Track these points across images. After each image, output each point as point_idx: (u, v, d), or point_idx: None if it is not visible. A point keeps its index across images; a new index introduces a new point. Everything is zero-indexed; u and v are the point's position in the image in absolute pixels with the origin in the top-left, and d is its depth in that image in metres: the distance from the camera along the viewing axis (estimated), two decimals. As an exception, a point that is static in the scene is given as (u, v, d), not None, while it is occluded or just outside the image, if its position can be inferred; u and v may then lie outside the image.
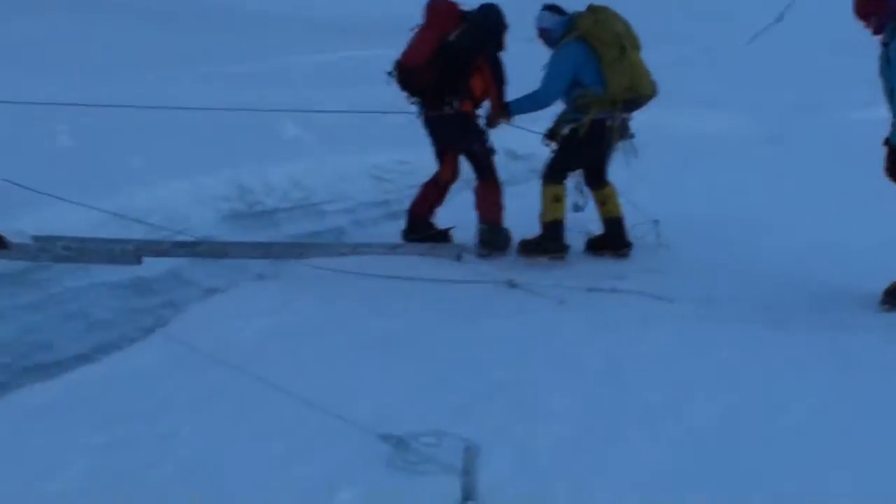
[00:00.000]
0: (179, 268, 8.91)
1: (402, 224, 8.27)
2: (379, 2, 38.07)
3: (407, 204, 12.23)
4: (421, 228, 7.30)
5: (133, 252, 6.76)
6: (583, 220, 7.58)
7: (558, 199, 6.82)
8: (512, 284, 6.12)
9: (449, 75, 6.62)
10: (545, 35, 6.82)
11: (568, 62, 6.54)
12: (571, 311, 5.64)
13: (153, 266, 7.90)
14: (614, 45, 6.48)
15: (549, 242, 6.89)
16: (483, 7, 6.84)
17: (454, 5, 6.81)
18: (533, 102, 6.69)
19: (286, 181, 10.47)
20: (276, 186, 10.36)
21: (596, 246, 7.24)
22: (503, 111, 6.84)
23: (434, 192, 7.35)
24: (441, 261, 6.80)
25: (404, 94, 6.98)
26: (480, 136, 6.95)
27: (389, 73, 6.92)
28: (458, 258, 6.89)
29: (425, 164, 11.98)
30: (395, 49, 22.34)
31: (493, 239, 6.98)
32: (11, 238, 6.87)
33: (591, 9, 6.67)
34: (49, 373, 7.92)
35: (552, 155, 6.92)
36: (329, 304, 5.66)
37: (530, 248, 6.91)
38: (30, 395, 4.65)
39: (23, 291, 7.88)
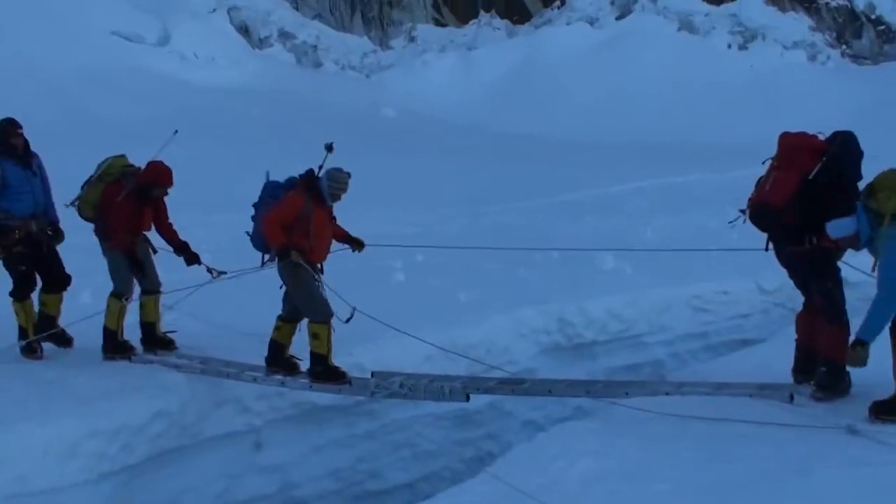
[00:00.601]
0: (500, 399, 9.10)
1: (723, 358, 7.77)
2: (705, 128, 37.98)
3: (727, 336, 11.79)
4: (814, 364, 6.68)
5: (461, 390, 7.02)
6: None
7: None
8: (852, 431, 5.52)
9: (809, 211, 6.24)
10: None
11: None
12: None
13: (475, 398, 8.11)
14: None
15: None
16: (840, 138, 6.39)
17: (812, 138, 6.48)
18: (882, 315, 5.90)
19: (605, 313, 10.44)
20: (595, 319, 10.37)
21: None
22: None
23: (811, 321, 6.73)
24: (771, 402, 6.33)
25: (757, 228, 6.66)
26: (835, 275, 6.40)
27: (742, 211, 6.69)
28: (791, 399, 6.37)
29: (747, 294, 11.52)
30: (717, 174, 21.85)
31: (832, 382, 6.36)
32: (350, 371, 7.39)
33: (883, 184, 5.88)
34: (379, 501, 8.34)
35: None
36: (653, 448, 5.45)
37: (884, 411, 6.03)
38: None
39: (358, 421, 8.44)
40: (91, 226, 8.21)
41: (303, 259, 7.14)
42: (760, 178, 6.71)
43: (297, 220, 7.19)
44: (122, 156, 8.27)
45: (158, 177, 8.04)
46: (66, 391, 6.98)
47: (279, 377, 7.51)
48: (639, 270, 11.60)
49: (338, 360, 8.06)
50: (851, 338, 5.92)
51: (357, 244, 7.82)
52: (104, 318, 8.00)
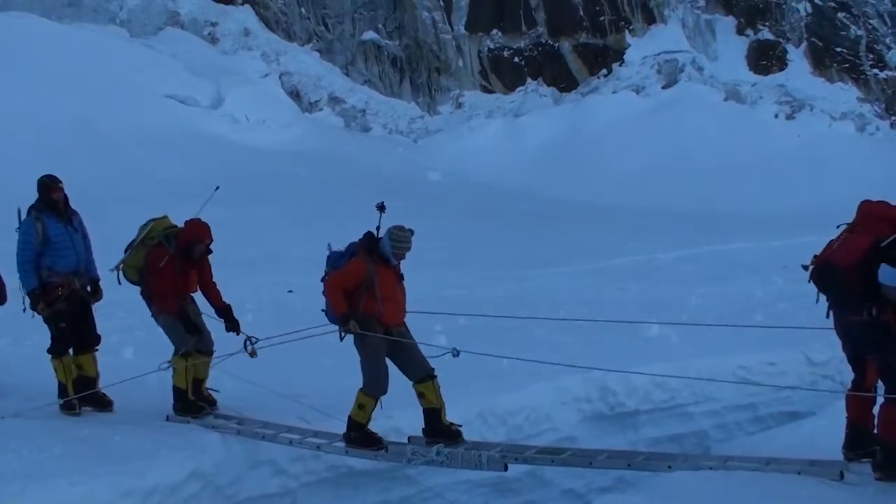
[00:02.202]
0: (540, 468, 8.89)
1: (770, 431, 7.54)
2: (751, 197, 37.69)
3: (774, 408, 11.47)
4: (865, 441, 6.46)
5: (499, 459, 6.88)
6: None
7: None
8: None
9: (874, 281, 6.08)
10: None
11: None
12: None
13: (514, 465, 7.94)
14: None
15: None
16: None
17: (892, 208, 6.34)
18: None
19: (649, 382, 10.22)
20: (638, 387, 10.16)
21: None
22: None
23: (861, 399, 6.52)
24: (822, 480, 6.10)
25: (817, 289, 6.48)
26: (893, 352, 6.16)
27: (805, 267, 6.53)
28: (841, 477, 6.13)
29: (795, 366, 11.23)
30: (763, 242, 21.54)
31: (889, 463, 6.11)
32: (387, 435, 7.29)
33: None
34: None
35: None
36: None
37: None
38: None
39: (394, 486, 8.30)
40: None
41: (362, 326, 7.05)
42: (831, 241, 6.54)
43: (363, 285, 7.11)
44: (165, 217, 8.28)
45: (197, 233, 8.04)
46: (101, 449, 6.96)
47: (316, 440, 7.43)
48: (684, 339, 11.39)
49: (377, 422, 7.97)
50: None
51: None
52: (172, 378, 7.97)
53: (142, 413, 7.97)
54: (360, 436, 7.25)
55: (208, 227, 8.10)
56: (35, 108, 34.28)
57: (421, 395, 7.30)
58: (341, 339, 7.31)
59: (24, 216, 8.02)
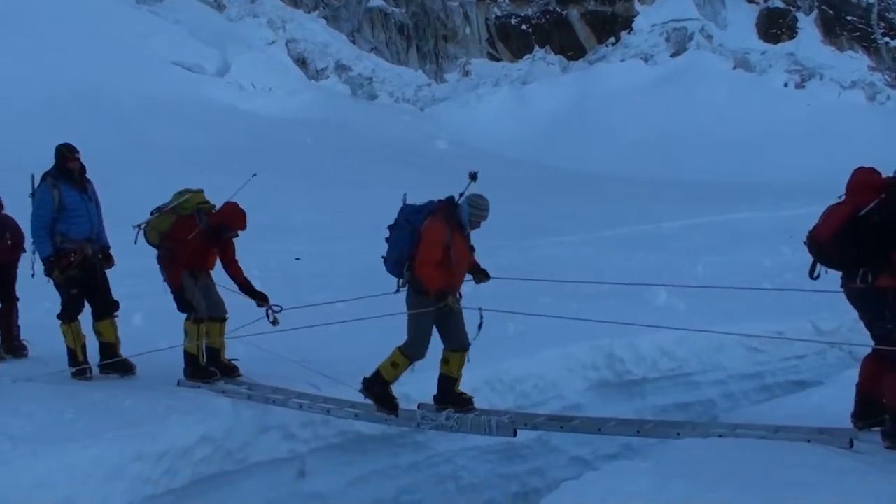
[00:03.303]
0: (547, 434, 8.94)
1: (777, 400, 7.56)
2: (760, 166, 37.52)
3: (781, 377, 11.49)
4: (875, 411, 6.45)
5: (508, 425, 6.90)
6: None
7: None
8: (917, 479, 5.28)
9: (868, 247, 6.03)
10: None
11: None
12: None
13: (522, 432, 7.98)
14: None
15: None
16: None
17: (872, 174, 6.28)
18: None
19: (656, 350, 10.24)
20: (645, 356, 10.17)
21: None
22: None
23: (875, 365, 6.50)
24: (831, 448, 6.11)
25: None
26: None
27: (805, 243, 6.51)
28: (850, 445, 6.15)
29: (803, 335, 11.21)
30: (771, 212, 21.42)
31: (900, 432, 6.10)
32: (399, 403, 7.32)
33: None
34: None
35: None
36: (707, 492, 5.25)
37: None
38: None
39: (403, 452, 8.36)
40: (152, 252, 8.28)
41: (422, 300, 6.95)
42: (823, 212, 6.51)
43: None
44: (201, 191, 8.28)
45: (232, 220, 8.06)
46: (113, 413, 7.01)
47: (326, 405, 7.47)
48: (691, 307, 11.38)
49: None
50: None
51: (483, 276, 7.51)
52: (183, 343, 8.01)
53: (153, 378, 8.02)
54: (381, 392, 7.18)
55: (245, 216, 8.10)
56: (41, 75, 34.20)
57: (445, 362, 7.24)
58: (397, 290, 7.21)
59: (37, 183, 8.06)
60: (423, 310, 6.97)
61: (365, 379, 7.25)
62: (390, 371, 7.12)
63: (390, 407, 7.25)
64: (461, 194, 7.16)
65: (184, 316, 8.01)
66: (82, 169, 8.15)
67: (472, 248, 7.38)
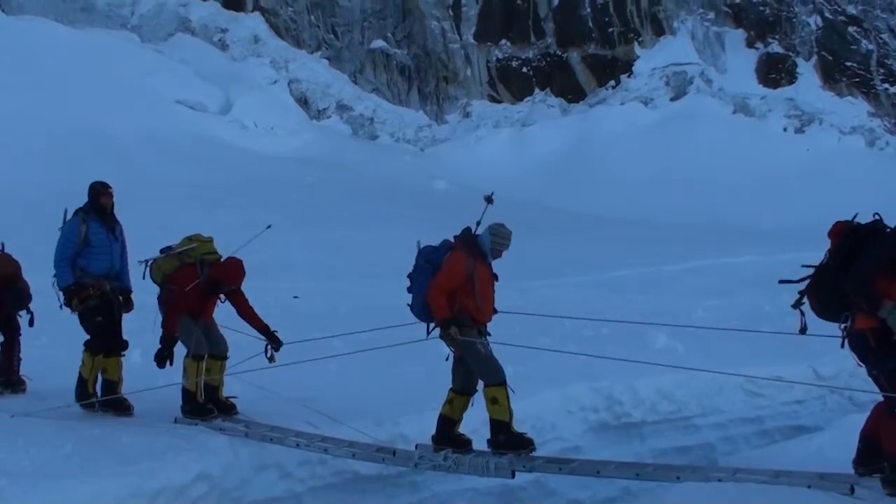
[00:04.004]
0: (545, 477, 8.88)
1: (777, 445, 7.52)
2: (759, 211, 37.65)
3: (781, 422, 11.44)
4: (876, 457, 6.40)
5: (507, 466, 6.87)
6: None
7: None
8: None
9: (834, 295, 6.12)
10: None
11: None
12: None
13: (520, 474, 7.94)
14: None
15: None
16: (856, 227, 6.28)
17: (835, 225, 6.37)
18: None
19: (655, 393, 10.22)
20: (644, 398, 10.16)
21: None
22: None
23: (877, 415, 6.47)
24: (832, 495, 6.07)
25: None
26: (881, 361, 6.09)
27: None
28: (851, 492, 6.11)
29: (802, 380, 11.18)
30: (770, 256, 21.39)
31: (896, 479, 6.07)
32: (394, 442, 7.29)
33: None
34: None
35: None
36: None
37: None
38: None
39: (399, 493, 8.30)
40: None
41: (464, 328, 6.86)
42: None
43: (463, 282, 6.89)
44: (210, 241, 8.35)
45: (228, 275, 8.12)
46: (110, 450, 6.98)
47: (324, 444, 7.43)
48: (690, 350, 11.37)
49: (384, 429, 7.98)
50: None
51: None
52: (182, 379, 7.99)
53: (151, 415, 8.00)
54: (508, 437, 6.96)
55: (242, 272, 8.15)
56: (47, 112, 34.40)
57: (450, 402, 7.19)
58: (428, 335, 7.13)
59: (69, 216, 8.17)
60: (472, 338, 6.87)
61: (489, 441, 7.06)
62: (498, 409, 6.92)
63: (525, 444, 7.00)
64: (478, 223, 7.11)
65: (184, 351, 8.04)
66: (112, 207, 8.28)
67: (495, 277, 7.28)
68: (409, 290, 7.25)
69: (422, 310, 7.11)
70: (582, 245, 27.42)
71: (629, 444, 10.07)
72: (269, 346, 8.14)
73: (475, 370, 6.98)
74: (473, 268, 6.92)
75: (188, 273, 8.07)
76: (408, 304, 7.26)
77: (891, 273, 5.90)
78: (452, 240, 7.19)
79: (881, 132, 46.47)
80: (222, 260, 8.20)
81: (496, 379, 6.92)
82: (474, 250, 7.01)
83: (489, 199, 7.11)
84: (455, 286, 6.86)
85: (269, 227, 8.96)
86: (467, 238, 7.07)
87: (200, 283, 8.01)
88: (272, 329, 8.29)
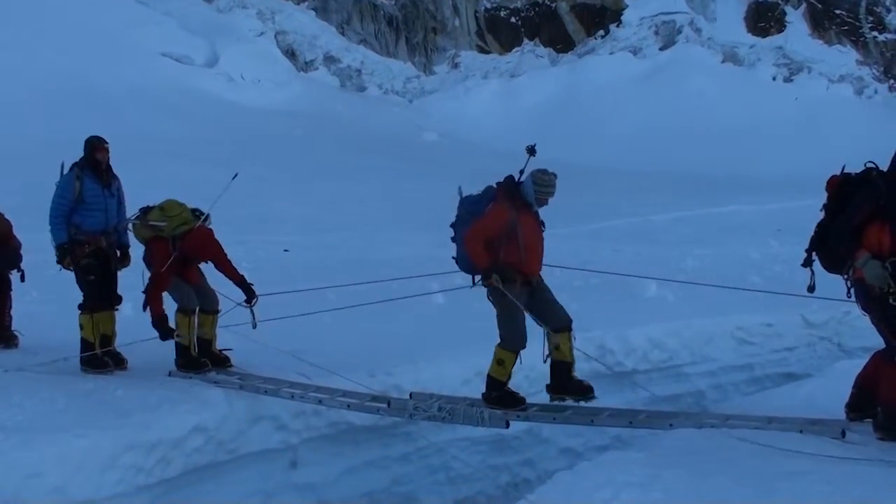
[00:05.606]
0: (538, 426, 8.96)
1: (767, 392, 7.55)
2: (748, 160, 37.62)
3: (771, 369, 11.55)
4: (868, 404, 6.45)
5: (501, 416, 6.89)
6: None
7: None
8: (907, 468, 5.30)
9: (832, 247, 6.13)
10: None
11: None
12: None
13: (514, 423, 8.00)
14: None
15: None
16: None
17: (830, 179, 6.35)
18: None
19: (646, 342, 10.28)
20: (636, 347, 10.20)
21: None
22: None
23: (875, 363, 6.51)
24: (823, 439, 6.14)
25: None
26: (881, 309, 6.10)
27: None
28: (843, 436, 6.18)
29: (792, 327, 11.29)
30: (759, 205, 21.43)
31: (890, 425, 6.13)
32: (388, 392, 7.31)
33: None
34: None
35: None
36: (700, 482, 5.26)
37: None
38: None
39: (394, 443, 8.36)
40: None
41: (508, 283, 6.56)
42: None
43: (505, 233, 6.60)
44: (182, 210, 8.13)
45: (198, 249, 8.03)
46: (105, 403, 6.98)
47: (318, 395, 7.46)
48: (681, 299, 11.42)
49: (377, 380, 8.01)
50: None
51: None
52: (174, 334, 7.96)
53: (145, 369, 7.99)
54: (500, 395, 6.85)
55: (212, 243, 8.05)
56: (30, 64, 33.96)
57: (556, 347, 6.79)
58: (473, 285, 6.84)
59: (65, 171, 8.02)
60: (510, 296, 6.56)
61: (482, 394, 6.93)
62: (500, 370, 6.76)
63: (517, 402, 6.89)
64: (521, 171, 6.78)
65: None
66: (108, 163, 8.11)
67: (542, 225, 7.03)
68: (453, 239, 7.01)
69: (465, 262, 6.87)
70: (571, 195, 27.30)
71: (622, 393, 10.12)
72: (251, 309, 8.04)
73: (499, 324, 6.79)
74: (517, 218, 6.65)
75: (161, 248, 7.99)
76: (452, 257, 7.04)
77: (882, 221, 5.89)
78: (495, 185, 6.90)
79: (869, 80, 46.38)
80: (194, 230, 8.05)
81: (512, 346, 6.73)
82: (518, 200, 6.74)
83: (531, 151, 6.77)
84: (492, 235, 6.60)
85: (237, 175, 8.81)
86: (510, 187, 6.77)
87: (174, 260, 7.93)
88: (248, 282, 8.21)
